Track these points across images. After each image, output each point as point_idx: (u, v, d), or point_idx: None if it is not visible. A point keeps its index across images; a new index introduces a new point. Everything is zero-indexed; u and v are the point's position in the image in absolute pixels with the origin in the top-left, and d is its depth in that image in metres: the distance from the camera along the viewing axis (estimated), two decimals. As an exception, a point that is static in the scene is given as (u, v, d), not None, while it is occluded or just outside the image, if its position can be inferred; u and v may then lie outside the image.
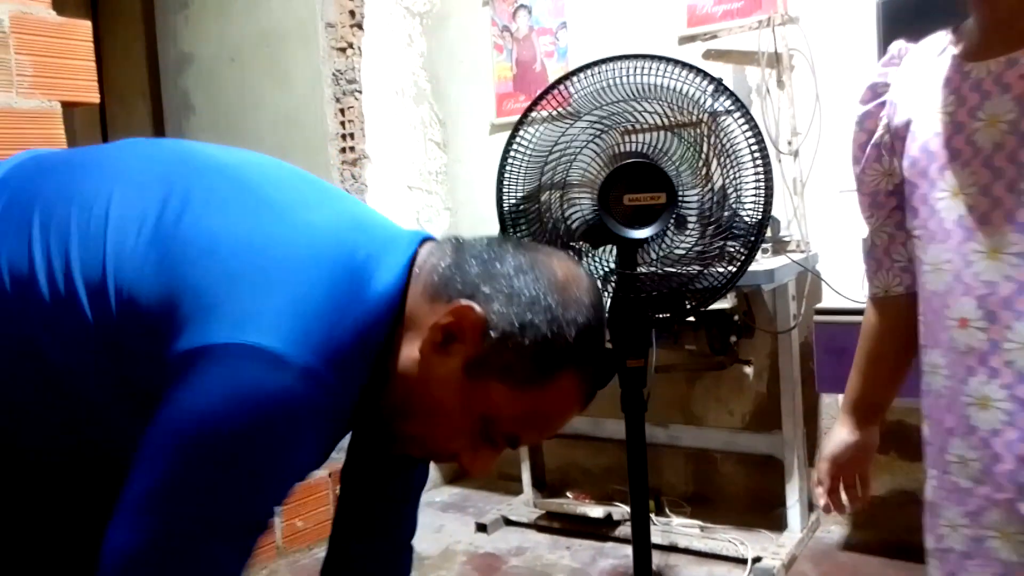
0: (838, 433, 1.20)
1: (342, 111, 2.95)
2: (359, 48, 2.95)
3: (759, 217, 1.70)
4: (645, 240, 1.67)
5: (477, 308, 0.77)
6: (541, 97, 1.74)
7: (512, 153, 1.74)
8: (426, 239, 0.86)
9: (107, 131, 3.82)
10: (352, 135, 2.95)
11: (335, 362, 0.72)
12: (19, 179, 0.83)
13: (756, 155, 1.68)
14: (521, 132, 1.74)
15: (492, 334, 0.77)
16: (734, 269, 1.73)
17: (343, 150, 2.96)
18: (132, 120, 3.69)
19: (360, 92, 2.95)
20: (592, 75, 1.69)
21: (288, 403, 0.69)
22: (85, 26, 1.81)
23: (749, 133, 1.67)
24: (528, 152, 1.74)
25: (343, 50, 2.93)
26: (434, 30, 3.23)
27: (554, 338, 0.78)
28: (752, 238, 1.71)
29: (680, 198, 1.65)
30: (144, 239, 0.75)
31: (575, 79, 1.70)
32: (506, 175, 1.75)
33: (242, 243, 0.74)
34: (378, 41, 3.02)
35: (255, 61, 3.15)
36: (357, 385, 0.77)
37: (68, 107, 1.79)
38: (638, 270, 1.71)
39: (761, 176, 1.68)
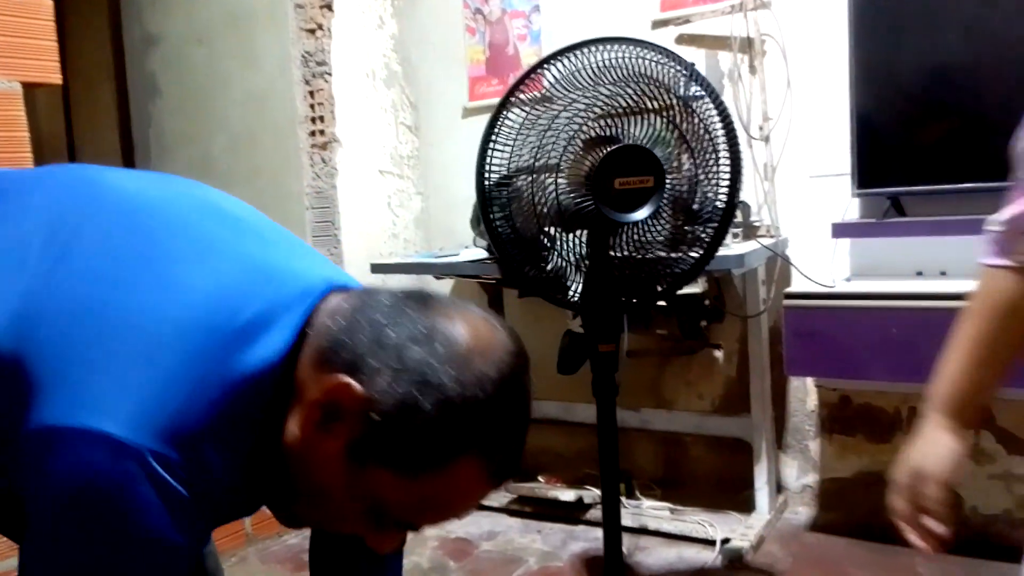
0: (942, 442, 0.90)
1: (312, 93, 2.92)
2: (329, 29, 2.92)
3: (729, 202, 1.71)
4: (622, 225, 1.67)
5: (356, 386, 0.69)
6: (521, 81, 1.73)
7: (492, 137, 1.74)
8: (337, 288, 0.78)
9: (71, 113, 3.75)
10: (322, 118, 2.92)
11: (187, 441, 0.67)
12: None
13: (726, 140, 1.69)
14: (500, 116, 1.73)
15: (374, 415, 0.68)
16: (703, 253, 1.74)
17: (313, 133, 2.92)
18: (96, 102, 3.61)
19: (330, 74, 2.91)
20: (569, 59, 1.68)
21: (125, 488, 0.64)
22: (47, 5, 1.78)
23: (720, 118, 1.68)
24: (507, 136, 1.73)
25: (312, 31, 2.90)
26: (405, 12, 3.20)
27: (447, 421, 0.69)
28: (721, 222, 1.72)
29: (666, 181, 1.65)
30: (16, 282, 0.71)
31: (554, 63, 1.70)
32: (486, 159, 1.74)
33: (109, 311, 0.69)
34: (348, 22, 2.99)
35: (223, 42, 3.10)
36: (231, 462, 0.72)
37: (30, 88, 1.75)
38: (611, 255, 1.72)
39: (731, 161, 1.69)
